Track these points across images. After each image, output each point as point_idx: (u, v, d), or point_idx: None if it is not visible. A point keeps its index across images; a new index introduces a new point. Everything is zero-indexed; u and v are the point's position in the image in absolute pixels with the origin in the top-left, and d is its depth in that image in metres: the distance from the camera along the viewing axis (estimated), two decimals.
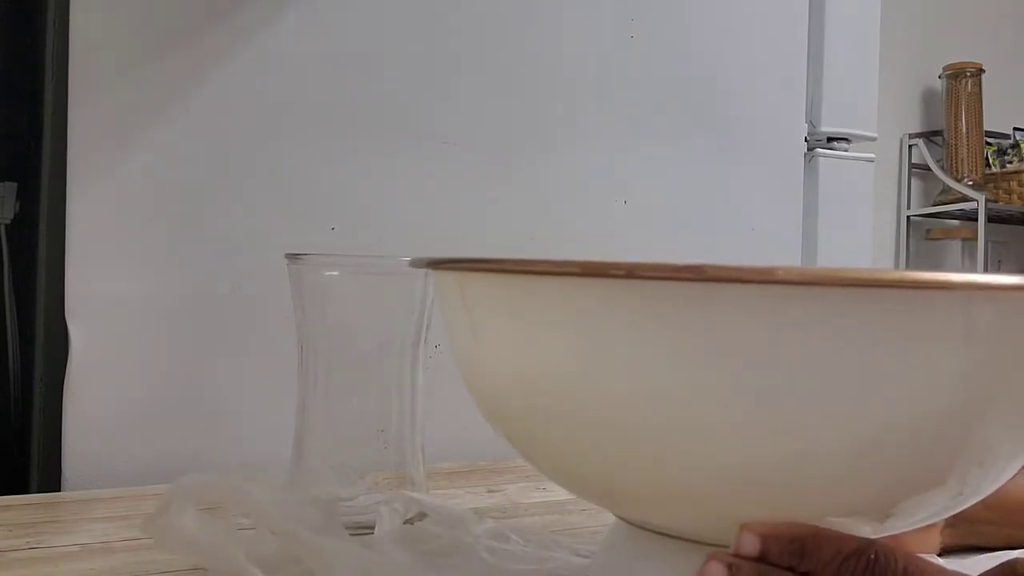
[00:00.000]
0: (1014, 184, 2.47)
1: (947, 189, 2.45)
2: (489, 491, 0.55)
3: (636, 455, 0.27)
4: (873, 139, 0.86)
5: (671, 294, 0.25)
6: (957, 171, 2.41)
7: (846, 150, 0.85)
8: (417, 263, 0.32)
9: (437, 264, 0.30)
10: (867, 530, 0.30)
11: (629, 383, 0.26)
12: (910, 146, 2.56)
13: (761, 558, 0.26)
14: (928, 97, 2.61)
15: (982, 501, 0.29)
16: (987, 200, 2.31)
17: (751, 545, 0.26)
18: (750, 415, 0.25)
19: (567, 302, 0.27)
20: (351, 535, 0.37)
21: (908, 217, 2.55)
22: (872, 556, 0.26)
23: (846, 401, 0.25)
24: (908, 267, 2.51)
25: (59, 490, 0.57)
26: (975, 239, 2.34)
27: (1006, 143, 2.59)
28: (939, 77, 2.50)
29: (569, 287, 0.27)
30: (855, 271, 0.23)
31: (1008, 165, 2.54)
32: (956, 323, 0.24)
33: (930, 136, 2.55)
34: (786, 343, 0.24)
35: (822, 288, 0.23)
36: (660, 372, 0.26)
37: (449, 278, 0.32)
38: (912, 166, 2.56)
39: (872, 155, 0.87)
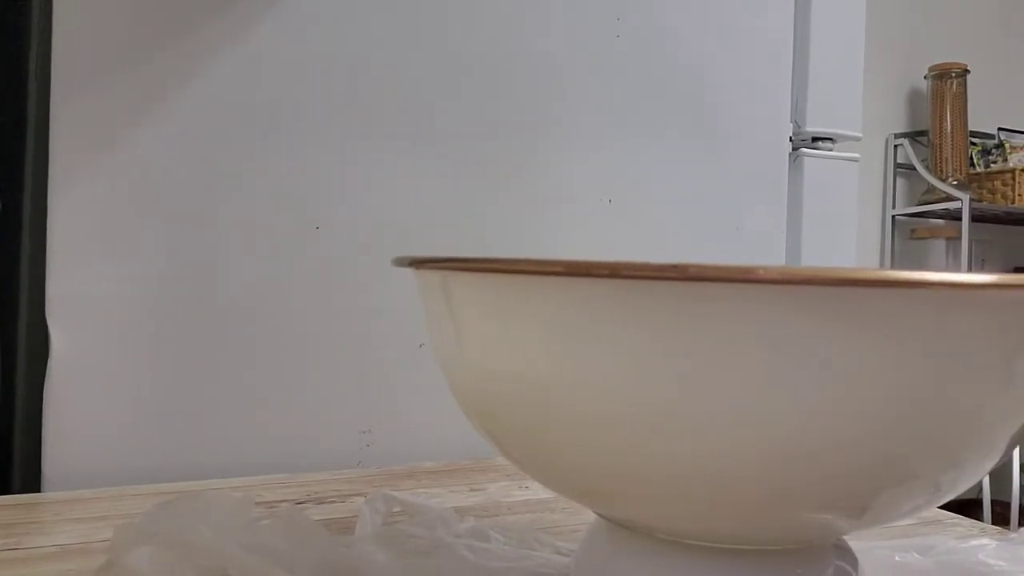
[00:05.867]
0: (998, 184, 2.49)
1: (932, 189, 2.47)
2: (472, 490, 0.55)
3: (617, 453, 0.27)
4: (858, 139, 0.87)
5: (654, 293, 0.25)
6: (942, 171, 2.43)
7: (831, 150, 0.86)
8: (400, 262, 0.32)
9: (420, 263, 0.30)
10: (845, 526, 0.30)
11: (611, 381, 0.26)
12: (895, 146, 2.58)
13: None
14: (913, 97, 2.63)
15: None
16: (971, 200, 2.33)
17: None
18: (730, 413, 0.25)
19: (551, 301, 0.27)
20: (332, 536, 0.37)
21: (893, 216, 2.57)
22: None
23: (825, 398, 0.25)
24: (893, 266, 2.52)
25: (40, 491, 0.57)
26: (959, 238, 2.36)
27: (990, 143, 2.61)
28: (924, 78, 2.52)
29: (553, 286, 0.27)
30: (835, 270, 0.23)
31: (992, 165, 2.56)
32: (931, 322, 0.24)
33: (915, 136, 2.57)
34: (767, 341, 0.24)
35: (802, 287, 0.23)
36: (642, 371, 0.26)
37: (432, 277, 0.31)
38: (897, 166, 2.58)
39: (857, 155, 0.87)
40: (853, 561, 0.34)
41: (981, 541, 0.41)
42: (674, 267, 0.24)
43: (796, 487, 0.27)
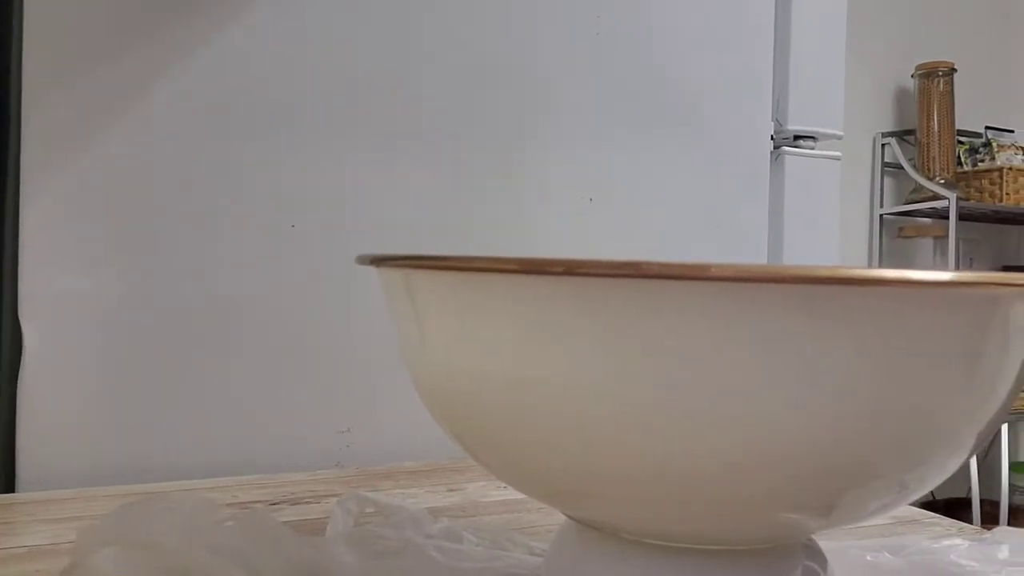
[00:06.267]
0: (985, 183, 2.50)
1: (919, 187, 2.47)
2: (449, 490, 0.55)
3: (577, 453, 0.27)
4: (839, 137, 0.87)
5: (610, 291, 0.25)
6: (929, 170, 2.43)
7: (813, 148, 0.86)
8: (362, 260, 0.32)
9: (381, 260, 0.30)
10: (813, 525, 0.30)
11: (568, 380, 0.26)
12: (883, 145, 2.58)
13: None
14: (901, 96, 2.63)
15: None
16: (958, 198, 2.33)
17: None
18: (690, 413, 0.25)
19: (508, 299, 0.27)
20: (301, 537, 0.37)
21: (881, 215, 2.57)
22: None
23: (786, 398, 0.25)
24: (881, 265, 2.53)
25: (15, 491, 0.57)
26: (947, 237, 2.37)
27: (978, 142, 2.62)
28: (911, 76, 2.52)
29: (510, 284, 0.26)
30: (790, 267, 0.23)
31: (980, 164, 2.57)
32: (893, 319, 0.24)
33: (903, 135, 2.57)
34: (723, 340, 0.24)
35: (758, 284, 0.23)
36: (599, 369, 0.25)
37: (395, 275, 0.31)
38: (885, 165, 2.59)
39: (838, 153, 0.87)
40: (822, 561, 0.33)
41: (954, 541, 0.41)
42: (630, 264, 0.23)
43: (761, 488, 0.27)
